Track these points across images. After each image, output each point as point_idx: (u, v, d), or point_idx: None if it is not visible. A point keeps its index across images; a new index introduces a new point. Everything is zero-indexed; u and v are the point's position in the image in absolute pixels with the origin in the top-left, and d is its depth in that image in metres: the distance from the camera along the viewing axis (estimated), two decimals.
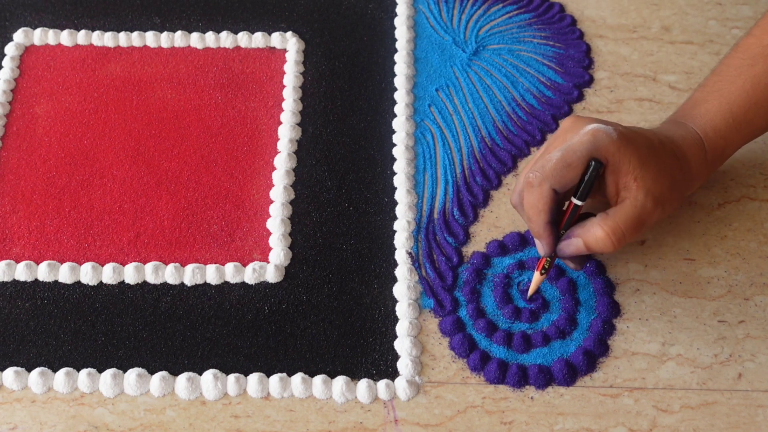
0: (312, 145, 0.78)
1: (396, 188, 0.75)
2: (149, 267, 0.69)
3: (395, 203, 0.74)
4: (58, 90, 0.81)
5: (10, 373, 0.64)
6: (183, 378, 0.64)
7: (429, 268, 0.70)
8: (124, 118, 0.79)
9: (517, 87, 0.82)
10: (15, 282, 0.69)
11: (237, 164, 0.76)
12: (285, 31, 0.86)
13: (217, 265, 0.70)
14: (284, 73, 0.83)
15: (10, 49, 0.83)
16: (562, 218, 0.64)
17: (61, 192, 0.74)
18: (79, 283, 0.69)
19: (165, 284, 0.69)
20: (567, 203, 0.64)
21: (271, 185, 0.75)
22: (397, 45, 0.85)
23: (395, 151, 0.77)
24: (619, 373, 0.65)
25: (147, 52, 0.84)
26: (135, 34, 0.85)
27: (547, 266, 0.65)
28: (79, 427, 0.62)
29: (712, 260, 0.71)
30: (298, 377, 0.64)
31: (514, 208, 0.67)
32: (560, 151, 0.62)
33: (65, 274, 0.69)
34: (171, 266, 0.69)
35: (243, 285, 0.69)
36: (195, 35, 0.85)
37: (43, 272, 0.69)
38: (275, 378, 0.64)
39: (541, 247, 0.65)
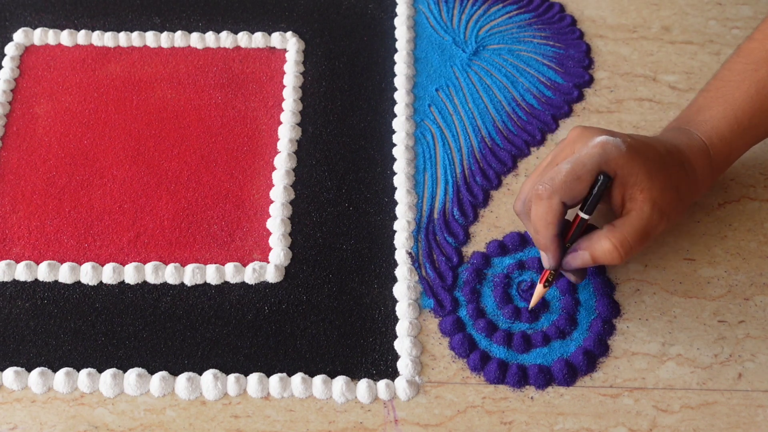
0: (312, 145, 0.78)
1: (396, 188, 0.75)
2: (149, 267, 0.69)
3: (395, 203, 0.74)
4: (58, 90, 0.81)
5: (10, 373, 0.64)
6: (183, 378, 0.64)
7: (429, 268, 0.70)
8: (124, 118, 0.79)
9: (517, 87, 0.82)
10: (15, 282, 0.69)
11: (237, 164, 0.76)
12: (285, 31, 0.86)
13: (217, 265, 0.70)
14: (284, 73, 0.83)
15: (10, 49, 0.83)
16: (567, 231, 0.64)
17: (61, 192, 0.74)
18: (79, 283, 0.69)
19: (165, 284, 0.69)
20: (574, 215, 0.64)
21: (271, 185, 0.75)
22: (397, 45, 0.85)
23: (395, 151, 0.77)
24: (619, 373, 0.65)
25: (147, 52, 0.84)
26: (135, 34, 0.85)
27: (550, 279, 0.65)
28: (79, 427, 0.62)
29: (712, 260, 0.71)
30: (298, 377, 0.64)
31: (517, 215, 0.67)
32: (569, 164, 0.61)
33: (65, 274, 0.69)
34: (171, 266, 0.69)
35: (243, 285, 0.69)
36: (195, 35, 0.85)
37: (43, 272, 0.69)
38: (275, 378, 0.64)
39: (546, 260, 0.64)
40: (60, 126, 0.78)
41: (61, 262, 0.70)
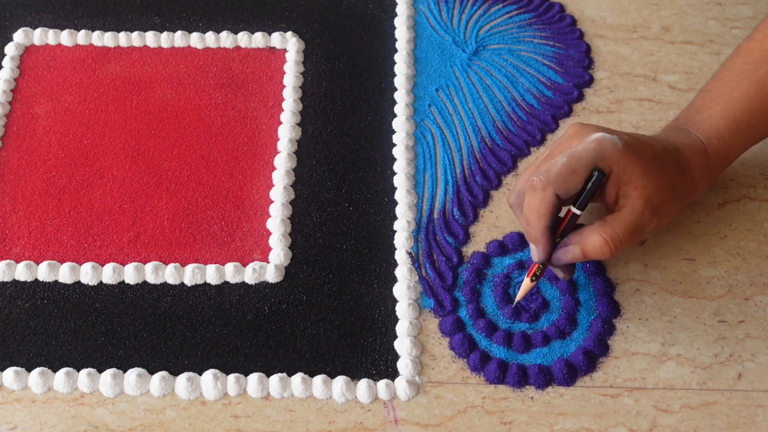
0: (312, 145, 0.78)
1: (396, 188, 0.75)
2: (149, 267, 0.69)
3: (395, 203, 0.74)
4: (58, 90, 0.81)
5: (10, 373, 0.64)
6: (183, 378, 0.64)
7: (429, 268, 0.70)
8: (124, 118, 0.79)
9: (517, 87, 0.82)
10: (15, 282, 0.69)
11: (237, 164, 0.76)
12: (285, 31, 0.86)
13: (217, 265, 0.70)
14: (284, 73, 0.83)
15: (10, 49, 0.83)
16: (558, 225, 0.64)
17: (61, 192, 0.74)
18: (79, 283, 0.69)
19: (165, 284, 0.69)
20: (566, 210, 0.64)
21: (271, 185, 0.75)
22: (397, 45, 0.85)
23: (395, 151, 0.77)
24: (619, 373, 0.65)
25: (147, 52, 0.84)
26: (135, 34, 0.85)
27: (538, 273, 0.64)
28: (79, 427, 0.62)
29: (712, 260, 0.71)
30: (298, 377, 0.64)
31: (510, 207, 0.67)
32: (565, 157, 0.61)
33: (65, 274, 0.69)
34: (171, 266, 0.69)
35: (243, 285, 0.69)
36: (195, 35, 0.85)
37: (43, 272, 0.69)
38: (275, 378, 0.64)
39: (536, 253, 0.64)
40: (60, 126, 0.78)
41: (61, 262, 0.70)
